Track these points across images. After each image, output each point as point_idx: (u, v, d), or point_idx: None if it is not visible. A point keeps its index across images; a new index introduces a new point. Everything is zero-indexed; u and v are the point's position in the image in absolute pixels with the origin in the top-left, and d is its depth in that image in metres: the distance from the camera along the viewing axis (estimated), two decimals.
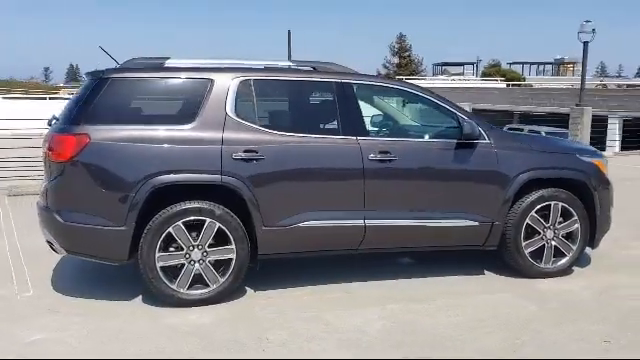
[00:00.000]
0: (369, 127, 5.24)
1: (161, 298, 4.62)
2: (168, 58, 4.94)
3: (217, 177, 4.59)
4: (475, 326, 4.30)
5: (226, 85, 4.75)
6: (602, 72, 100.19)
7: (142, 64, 4.88)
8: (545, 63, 75.08)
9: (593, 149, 5.96)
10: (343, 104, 4.95)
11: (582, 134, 16.31)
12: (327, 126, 5.00)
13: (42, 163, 4.90)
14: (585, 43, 15.83)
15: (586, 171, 5.39)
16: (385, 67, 61.47)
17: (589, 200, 5.41)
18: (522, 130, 19.44)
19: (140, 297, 4.79)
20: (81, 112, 4.55)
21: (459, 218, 5.13)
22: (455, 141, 5.11)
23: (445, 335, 4.15)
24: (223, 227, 4.60)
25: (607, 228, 5.59)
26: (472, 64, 67.64)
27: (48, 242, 4.78)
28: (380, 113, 5.85)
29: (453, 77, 54.29)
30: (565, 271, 5.42)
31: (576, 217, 5.36)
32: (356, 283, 5.17)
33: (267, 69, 5.10)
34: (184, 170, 4.56)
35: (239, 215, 4.66)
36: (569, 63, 76.62)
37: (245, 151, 4.63)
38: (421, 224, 5.05)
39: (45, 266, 5.53)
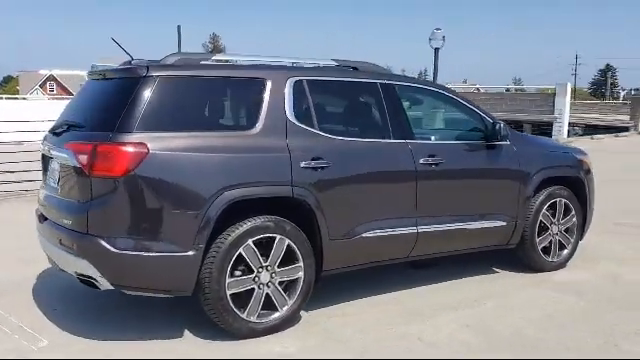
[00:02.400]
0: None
1: (231, 330, 4.03)
2: (212, 53, 4.30)
3: (288, 189, 4.13)
4: (547, 323, 4.41)
5: (282, 86, 4.28)
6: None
7: (187, 60, 4.18)
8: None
9: (581, 148, 6.44)
10: (390, 106, 4.76)
11: None
12: (380, 130, 4.74)
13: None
14: (436, 49, 17.11)
15: (581, 168, 5.82)
16: None
17: (582, 195, 5.84)
18: None
19: (186, 330, 4.17)
20: (130, 117, 3.77)
21: (492, 219, 5.23)
22: (485, 142, 5.19)
23: (530, 335, 4.19)
24: (292, 244, 4.15)
25: (591, 220, 6.09)
26: None
27: (83, 276, 3.90)
28: (414, 115, 5.72)
29: None
30: (565, 263, 5.79)
31: (574, 212, 5.77)
32: (394, 293, 5.01)
33: (318, 69, 4.71)
34: (255, 182, 4.03)
35: (303, 229, 4.24)
36: None
37: (313, 159, 4.22)
38: (462, 227, 5.05)
39: (31, 300, 4.55)
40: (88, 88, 4.51)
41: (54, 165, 4.26)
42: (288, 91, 4.28)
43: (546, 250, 5.65)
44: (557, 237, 5.69)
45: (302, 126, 4.28)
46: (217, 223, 3.88)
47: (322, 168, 4.25)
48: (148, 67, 3.93)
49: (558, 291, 5.13)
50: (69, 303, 4.71)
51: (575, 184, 5.79)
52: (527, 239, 5.48)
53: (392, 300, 4.85)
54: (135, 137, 3.73)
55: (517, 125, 22.98)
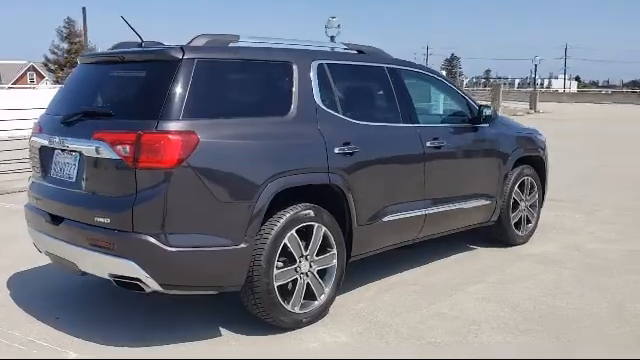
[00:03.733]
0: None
1: (277, 324, 3.89)
2: (237, 36, 4.06)
3: (325, 175, 4.05)
4: (553, 291, 4.73)
5: (308, 70, 4.16)
6: None
7: (216, 43, 3.90)
8: None
9: (536, 128, 6.86)
10: (399, 90, 4.81)
11: None
12: (392, 114, 4.77)
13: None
14: (332, 37, 17.34)
15: (542, 148, 6.27)
16: (53, 53, 56.17)
17: (542, 173, 6.30)
18: None
19: (221, 328, 3.96)
20: (174, 103, 3.47)
21: (481, 198, 5.49)
22: (472, 125, 5.41)
23: (549, 303, 4.47)
24: (328, 231, 4.08)
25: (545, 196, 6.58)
26: None
27: (123, 278, 3.54)
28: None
29: None
30: (529, 236, 6.22)
31: (537, 189, 6.21)
32: (399, 275, 5.10)
33: (335, 53, 4.62)
34: (300, 170, 3.92)
35: (333, 216, 4.18)
36: None
37: (344, 144, 4.17)
38: (459, 207, 5.25)
39: (21, 310, 4.17)
40: (95, 73, 4.09)
41: (65, 158, 3.82)
42: (313, 75, 4.18)
43: (517, 225, 6.03)
44: (525, 213, 6.10)
45: (329, 111, 4.20)
46: (267, 213, 3.71)
47: (351, 154, 4.20)
48: (183, 49, 3.64)
49: (540, 262, 5.51)
50: (67, 310, 4.27)
51: (537, 163, 6.22)
52: (504, 215, 5.81)
53: (402, 282, 4.93)
54: (183, 125, 3.45)
55: None
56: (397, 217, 4.63)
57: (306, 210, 3.91)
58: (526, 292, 4.71)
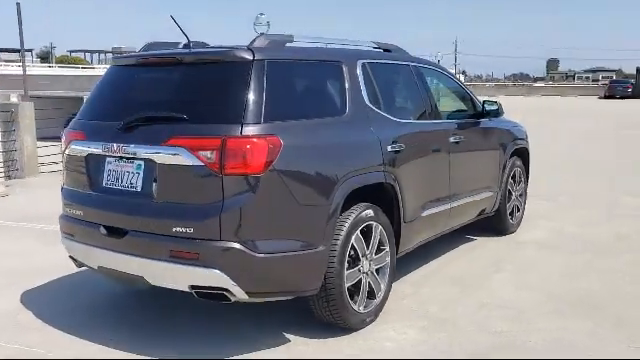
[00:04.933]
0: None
1: (346, 325, 3.86)
2: (292, 36, 3.97)
3: (381, 174, 4.07)
4: (566, 275, 5.02)
5: (355, 69, 4.16)
6: None
7: (276, 43, 3.79)
8: (105, 52, 75.53)
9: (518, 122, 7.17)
10: (423, 87, 4.92)
11: None
12: (422, 111, 4.85)
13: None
14: (261, 35, 17.17)
15: (526, 140, 6.60)
16: None
17: (527, 164, 6.65)
18: None
19: (285, 334, 3.88)
20: (254, 106, 3.35)
21: (488, 189, 5.71)
22: (478, 120, 5.61)
23: (575, 287, 4.75)
24: (383, 230, 4.11)
25: None
26: (29, 51, 63.32)
27: (207, 289, 3.37)
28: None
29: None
30: (519, 225, 6.55)
31: (524, 179, 6.55)
32: (425, 268, 5.21)
33: (373, 52, 4.63)
34: (366, 169, 3.92)
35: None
36: (128, 52, 79.18)
37: (393, 142, 4.21)
38: (473, 199, 5.44)
39: (59, 331, 3.88)
40: (146, 75, 3.86)
41: (123, 166, 3.58)
42: (360, 74, 4.18)
43: (510, 214, 6.33)
44: (516, 202, 6.42)
45: (375, 109, 4.22)
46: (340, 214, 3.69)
47: (398, 151, 4.25)
48: (253, 50, 3.52)
49: (541, 248, 5.82)
50: (114, 327, 4.00)
51: (523, 154, 6.55)
52: (502, 206, 6.08)
53: (429, 275, 5.04)
54: (267, 128, 3.35)
55: None
56: (432, 212, 4.74)
57: (367, 210, 3.92)
58: (549, 278, 4.96)
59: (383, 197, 4.17)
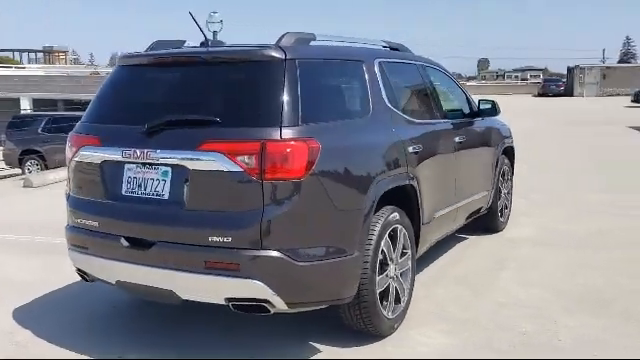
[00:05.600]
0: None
1: (377, 332, 3.76)
2: (314, 35, 3.80)
3: (405, 176, 3.99)
4: (569, 272, 5.10)
5: (374, 69, 4.05)
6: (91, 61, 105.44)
7: (302, 41, 3.63)
8: (35, 51, 72.28)
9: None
10: (431, 87, 4.88)
11: None
12: (431, 110, 4.80)
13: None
14: (214, 33, 16.83)
15: (512, 138, 6.67)
16: None
17: (512, 162, 6.72)
18: None
19: (313, 343, 3.75)
20: (291, 108, 3.20)
21: (484, 188, 5.72)
22: (473, 119, 5.61)
23: (588, 284, 4.80)
24: (407, 233, 4.03)
25: None
26: None
27: (245, 301, 3.19)
28: None
29: None
30: (507, 222, 6.62)
31: (510, 176, 6.62)
32: (429, 270, 5.16)
33: (385, 50, 4.52)
34: (391, 172, 3.81)
35: None
36: (59, 52, 76.17)
37: (413, 143, 4.13)
38: (473, 198, 5.44)
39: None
40: (164, 75, 3.63)
41: (146, 173, 3.35)
42: (378, 74, 4.08)
43: (500, 212, 6.39)
44: (504, 200, 6.48)
45: (394, 109, 4.13)
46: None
47: (417, 153, 4.18)
48: (283, 49, 3.36)
49: (536, 245, 5.90)
50: (122, 344, 3.75)
51: (509, 152, 6.62)
52: (493, 204, 6.12)
53: (437, 276, 5.01)
54: (305, 131, 3.20)
55: None
56: (443, 212, 4.71)
57: (393, 213, 3.82)
58: (553, 274, 5.01)
59: (404, 199, 4.09)
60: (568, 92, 49.39)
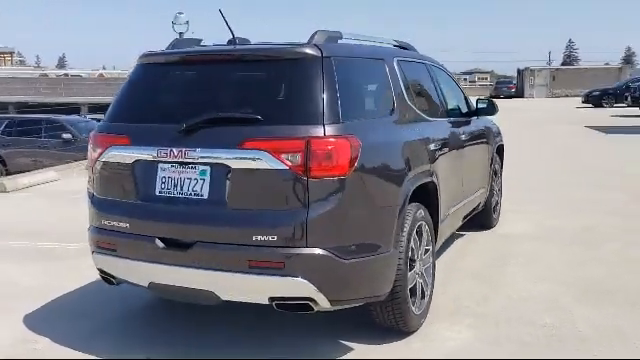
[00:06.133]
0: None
1: (407, 328, 3.79)
2: (340, 33, 3.80)
3: (429, 173, 4.04)
4: (572, 265, 5.25)
5: (395, 68, 4.10)
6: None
7: (333, 39, 3.63)
8: None
9: None
10: (438, 85, 4.97)
11: None
12: (440, 108, 4.87)
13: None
14: (180, 34, 16.60)
15: (502, 136, 6.82)
16: None
17: (502, 160, 6.87)
18: None
19: (343, 342, 3.76)
20: (331, 106, 3.20)
21: (482, 186, 5.84)
22: (471, 118, 5.71)
23: (590, 277, 4.97)
24: (429, 230, 4.08)
25: None
26: None
27: (290, 299, 3.17)
28: None
29: None
30: (498, 218, 6.76)
31: (500, 174, 6.77)
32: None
33: (399, 49, 4.55)
34: (421, 169, 3.88)
35: None
36: (4, 53, 73.97)
37: (433, 141, 4.19)
38: (475, 195, 5.55)
39: None
40: (197, 73, 3.58)
41: (183, 172, 3.29)
42: (398, 73, 4.12)
43: (493, 209, 6.53)
44: (496, 196, 6.62)
45: (414, 107, 4.18)
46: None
47: (435, 150, 4.24)
48: (320, 47, 3.35)
49: (533, 240, 6.05)
50: (147, 344, 3.68)
51: (500, 150, 6.77)
52: (488, 201, 6.25)
53: (444, 270, 4.99)
54: (347, 128, 3.21)
55: None
56: (454, 209, 4.80)
57: (419, 210, 3.86)
58: (556, 268, 5.16)
59: (426, 196, 4.13)
60: (519, 93, 50.71)
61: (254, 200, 3.16)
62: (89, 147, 3.69)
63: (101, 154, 3.56)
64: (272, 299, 3.19)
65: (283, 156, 3.07)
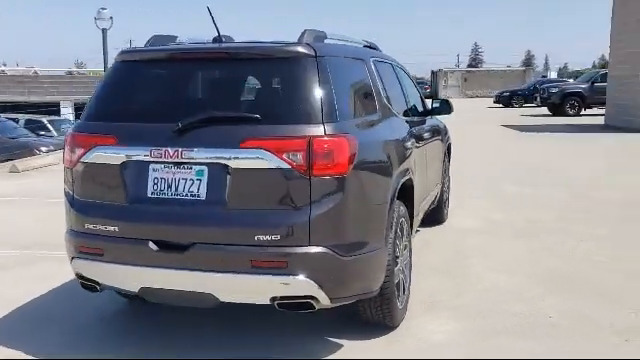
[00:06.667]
0: None
1: (393, 324, 3.86)
2: (324, 33, 3.78)
3: (409, 171, 4.13)
4: (531, 257, 5.52)
5: (372, 68, 4.16)
6: None
7: (320, 38, 3.60)
8: None
9: None
10: (404, 86, 5.08)
11: None
12: (407, 107, 4.97)
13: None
14: (104, 30, 16.03)
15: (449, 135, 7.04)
16: None
17: (450, 158, 7.11)
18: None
19: (329, 338, 3.78)
20: (328, 105, 3.19)
21: (438, 182, 6.02)
22: (425, 117, 5.85)
23: (548, 267, 5.23)
24: (408, 226, 4.17)
25: None
26: None
27: (292, 299, 3.15)
28: None
29: None
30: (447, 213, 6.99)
31: (448, 170, 7.01)
32: None
33: (372, 50, 4.59)
34: (403, 166, 3.94)
35: None
36: None
37: (409, 140, 4.29)
38: (434, 192, 5.73)
39: None
40: (182, 71, 3.47)
41: (178, 172, 3.18)
42: (375, 72, 4.19)
43: (445, 204, 6.75)
44: (446, 193, 6.85)
45: (389, 107, 4.25)
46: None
47: (411, 149, 4.33)
48: (313, 46, 3.35)
49: (483, 234, 6.31)
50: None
51: (449, 148, 6.99)
52: (439, 198, 6.43)
53: (413, 267, 5.15)
54: (344, 127, 3.23)
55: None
56: (422, 205, 4.93)
57: (401, 207, 3.94)
58: (513, 260, 5.39)
59: (403, 193, 4.21)
60: (433, 94, 52.48)
61: (255, 199, 3.12)
62: (66, 147, 3.50)
63: (83, 155, 3.38)
64: (274, 299, 3.16)
65: (285, 155, 3.04)
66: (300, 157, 3.05)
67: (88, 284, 3.49)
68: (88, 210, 3.39)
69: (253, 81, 3.39)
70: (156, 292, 3.32)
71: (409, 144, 4.24)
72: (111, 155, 3.30)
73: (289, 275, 3.08)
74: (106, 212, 3.32)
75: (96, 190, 3.40)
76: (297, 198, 3.07)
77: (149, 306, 4.02)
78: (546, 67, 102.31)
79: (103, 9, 15.87)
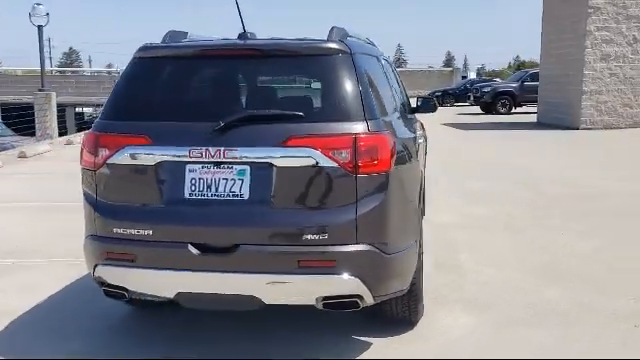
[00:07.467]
0: None
1: (417, 320, 3.91)
2: (346, 30, 3.76)
3: (421, 165, 4.18)
4: (519, 250, 5.71)
5: (384, 65, 4.22)
6: None
7: (343, 35, 3.57)
8: None
9: None
10: (399, 82, 5.14)
11: (49, 120, 15.92)
12: (395, 104, 4.99)
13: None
14: (39, 27, 15.31)
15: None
16: None
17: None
18: None
19: (354, 336, 3.79)
20: (367, 102, 3.20)
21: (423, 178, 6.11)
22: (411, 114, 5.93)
23: (542, 259, 5.43)
24: (421, 220, 4.23)
25: None
26: None
27: (340, 298, 3.12)
28: None
29: None
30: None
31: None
32: None
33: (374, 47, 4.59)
34: (420, 162, 4.03)
35: None
36: None
37: (418, 136, 4.35)
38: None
39: None
40: (214, 68, 3.37)
41: (217, 172, 3.09)
42: (386, 69, 4.23)
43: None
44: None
45: (398, 104, 4.31)
46: None
47: (419, 144, 4.40)
48: (346, 44, 3.33)
49: (462, 229, 6.47)
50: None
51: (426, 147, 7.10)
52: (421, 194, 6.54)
53: None
54: (384, 124, 3.25)
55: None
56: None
57: (420, 203, 4.00)
58: (502, 254, 5.56)
59: None
60: None
61: (300, 198, 3.07)
62: (85, 148, 3.32)
63: (110, 156, 3.21)
64: (322, 299, 3.12)
65: (331, 153, 3.02)
66: (346, 155, 3.03)
67: (114, 291, 3.33)
68: (116, 214, 3.23)
69: (289, 78, 3.35)
70: (195, 297, 3.20)
71: (421, 140, 4.30)
72: (145, 156, 3.16)
73: (337, 274, 3.05)
74: (138, 215, 3.18)
75: (126, 192, 3.24)
76: (343, 196, 3.06)
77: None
78: (465, 67, 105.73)
79: (38, 4, 15.10)
